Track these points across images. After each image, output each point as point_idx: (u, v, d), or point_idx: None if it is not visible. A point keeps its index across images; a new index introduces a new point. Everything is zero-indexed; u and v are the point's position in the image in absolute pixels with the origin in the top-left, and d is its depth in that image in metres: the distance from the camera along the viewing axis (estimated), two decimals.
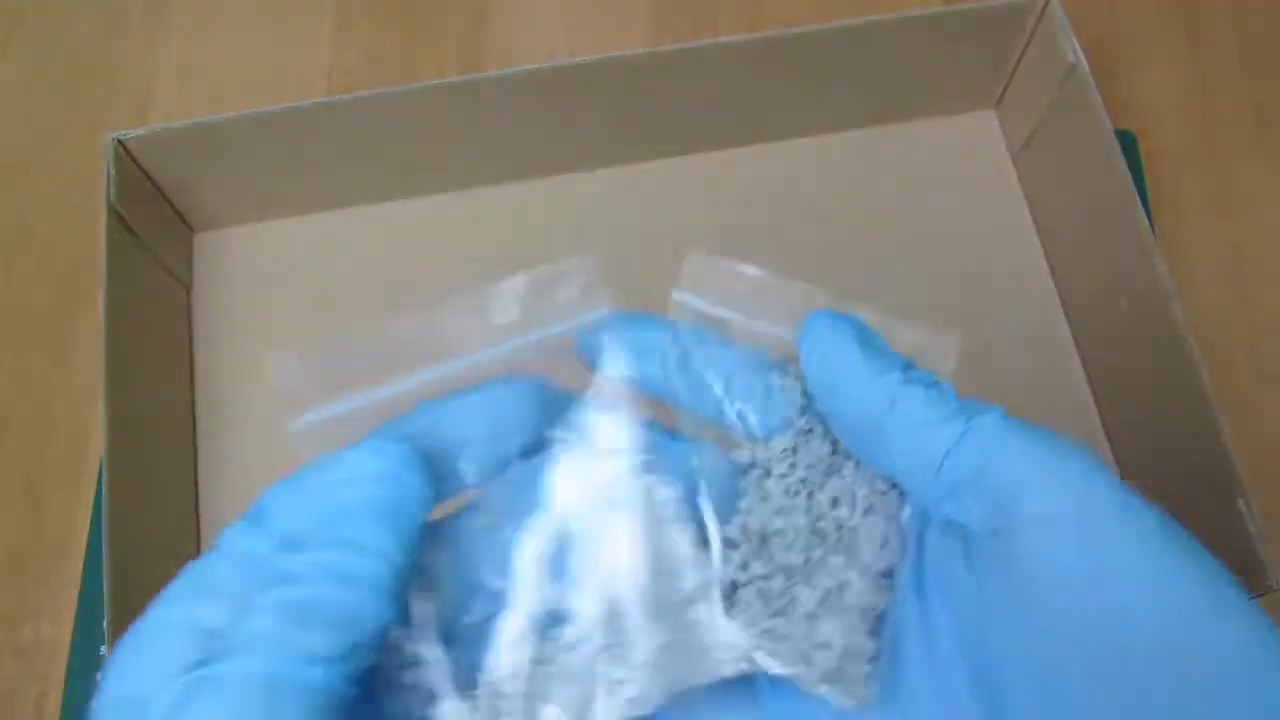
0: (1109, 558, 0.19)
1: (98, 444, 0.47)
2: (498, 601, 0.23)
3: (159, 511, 0.44)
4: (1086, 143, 0.45)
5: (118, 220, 0.44)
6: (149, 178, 0.47)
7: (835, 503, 0.24)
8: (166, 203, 0.49)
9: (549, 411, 0.24)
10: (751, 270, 0.26)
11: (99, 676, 0.44)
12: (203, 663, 0.18)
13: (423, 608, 0.22)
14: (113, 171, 0.43)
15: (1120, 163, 0.43)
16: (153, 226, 0.47)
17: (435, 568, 0.23)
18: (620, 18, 0.57)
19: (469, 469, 0.23)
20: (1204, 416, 0.39)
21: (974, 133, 0.53)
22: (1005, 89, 0.52)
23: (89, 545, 0.46)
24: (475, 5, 0.57)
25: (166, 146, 0.45)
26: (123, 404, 0.41)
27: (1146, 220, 0.42)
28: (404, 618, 0.21)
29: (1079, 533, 0.20)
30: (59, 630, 0.45)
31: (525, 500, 0.23)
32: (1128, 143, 0.52)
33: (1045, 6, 0.46)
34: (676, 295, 0.26)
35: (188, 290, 0.50)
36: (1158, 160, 0.53)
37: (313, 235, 0.51)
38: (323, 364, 0.22)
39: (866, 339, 0.24)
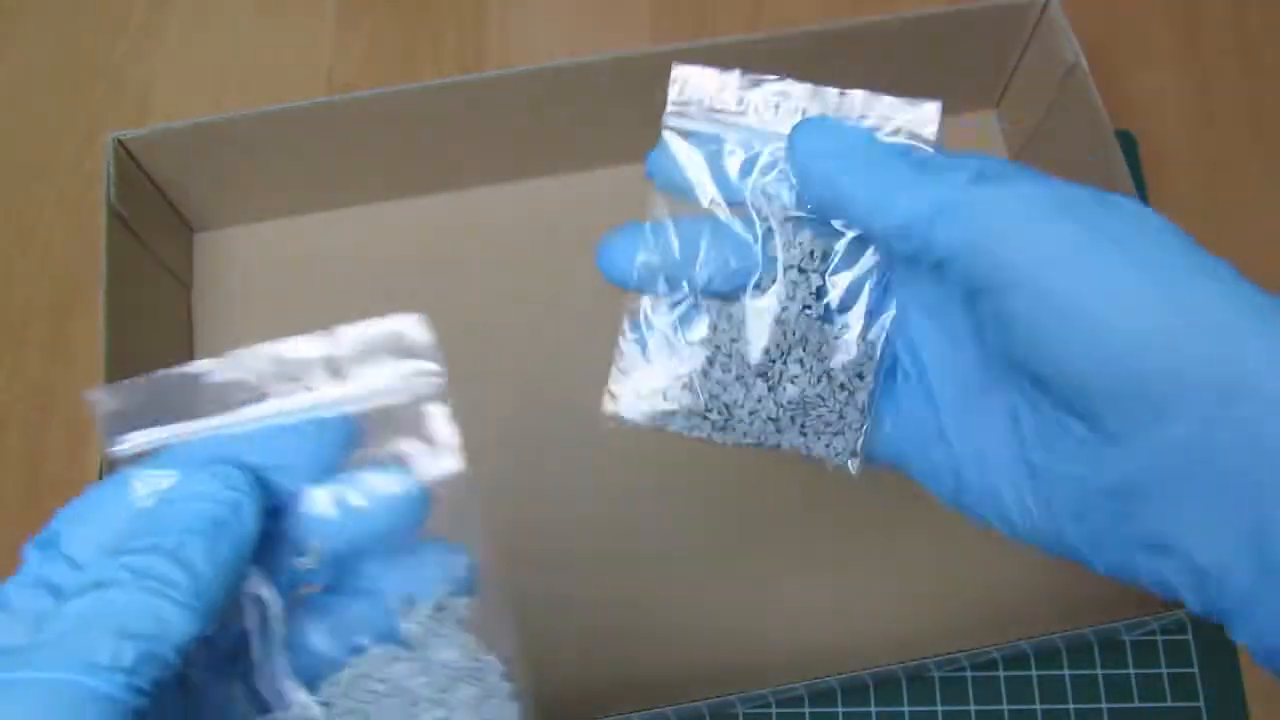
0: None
1: (98, 444, 0.47)
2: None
3: None
4: (1086, 143, 0.45)
5: (118, 220, 0.44)
6: (149, 178, 0.47)
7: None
8: (166, 203, 0.49)
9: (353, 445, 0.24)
10: (734, 77, 0.27)
11: None
12: None
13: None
14: (113, 171, 0.43)
15: (1120, 163, 0.43)
16: (153, 226, 0.47)
17: None
18: (620, 18, 0.57)
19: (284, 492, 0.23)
20: None
21: (974, 133, 0.53)
22: (1005, 89, 0.52)
23: None
24: (475, 5, 0.57)
25: (166, 146, 0.45)
26: None
27: None
28: (210, 638, 0.21)
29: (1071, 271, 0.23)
30: None
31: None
32: (1128, 143, 0.52)
33: (1045, 6, 0.46)
34: (668, 122, 0.28)
35: (188, 290, 0.50)
36: (1158, 160, 0.53)
37: (312, 235, 0.51)
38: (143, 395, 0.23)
39: (860, 136, 0.27)
